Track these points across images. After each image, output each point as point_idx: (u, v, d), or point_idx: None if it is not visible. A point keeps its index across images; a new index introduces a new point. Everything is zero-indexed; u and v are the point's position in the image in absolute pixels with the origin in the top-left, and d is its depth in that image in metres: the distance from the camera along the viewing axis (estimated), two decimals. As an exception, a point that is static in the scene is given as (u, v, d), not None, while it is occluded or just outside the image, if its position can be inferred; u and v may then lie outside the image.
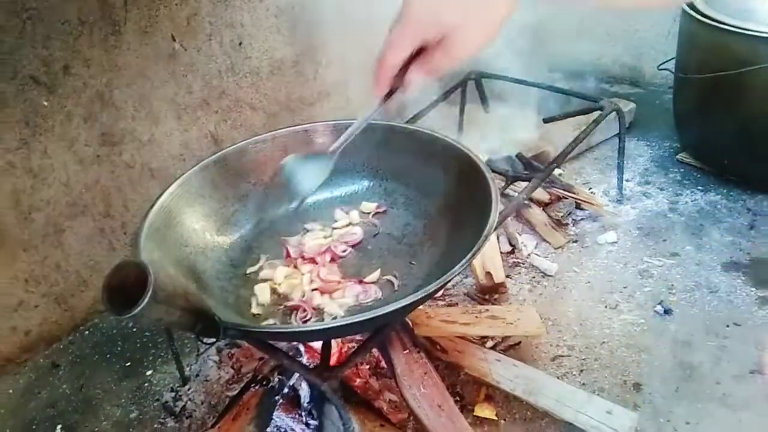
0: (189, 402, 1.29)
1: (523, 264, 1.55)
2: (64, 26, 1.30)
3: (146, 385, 1.35)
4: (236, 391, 1.22)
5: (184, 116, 1.59)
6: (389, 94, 0.77)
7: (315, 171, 1.05)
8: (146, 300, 0.69)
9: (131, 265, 0.74)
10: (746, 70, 1.55)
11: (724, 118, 1.71)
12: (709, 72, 1.66)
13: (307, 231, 1.28)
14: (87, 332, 1.51)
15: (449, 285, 1.48)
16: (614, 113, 1.62)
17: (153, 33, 1.46)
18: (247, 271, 1.19)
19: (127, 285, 0.74)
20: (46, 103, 1.32)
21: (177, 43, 1.52)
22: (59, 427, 1.28)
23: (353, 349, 1.08)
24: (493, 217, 1.02)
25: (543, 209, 1.66)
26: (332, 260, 1.21)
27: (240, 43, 1.68)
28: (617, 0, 0.66)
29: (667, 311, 1.39)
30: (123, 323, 1.52)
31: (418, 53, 0.68)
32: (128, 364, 1.41)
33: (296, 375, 1.19)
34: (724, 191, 1.75)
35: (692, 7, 1.68)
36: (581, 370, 1.28)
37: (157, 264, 0.95)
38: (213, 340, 0.86)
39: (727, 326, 1.35)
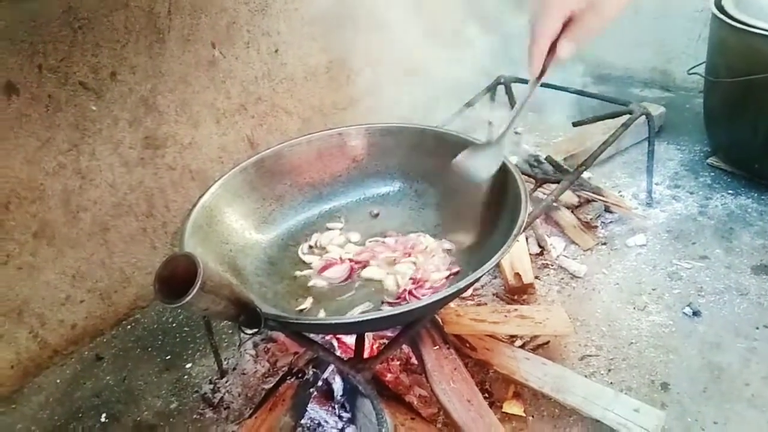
0: (227, 394, 1.34)
1: (552, 266, 1.57)
2: (112, 35, 1.37)
3: (186, 377, 1.41)
4: (272, 384, 1.26)
5: (223, 120, 1.66)
6: (543, 71, 0.77)
7: (487, 160, 1.13)
8: (196, 289, 0.74)
9: (181, 258, 0.79)
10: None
11: (755, 122, 1.71)
12: (740, 76, 1.66)
13: (329, 230, 1.33)
14: (129, 327, 1.57)
15: (478, 285, 1.51)
16: (643, 117, 1.64)
17: (194, 41, 1.53)
18: (296, 275, 1.24)
19: (176, 277, 0.79)
20: (94, 108, 1.39)
21: (217, 50, 1.58)
22: (103, 415, 1.35)
23: (385, 344, 1.12)
24: (523, 218, 1.05)
25: (572, 212, 1.68)
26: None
27: (276, 50, 1.74)
28: None
29: (695, 313, 1.40)
30: (164, 318, 1.58)
31: (565, 26, 0.69)
32: (168, 357, 1.47)
33: (330, 369, 1.23)
34: (755, 195, 1.74)
35: (722, 10, 1.69)
36: (609, 370, 1.30)
37: (202, 258, 1.00)
38: (254, 330, 0.90)
39: (757, 328, 1.36)
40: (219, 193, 1.23)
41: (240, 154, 1.70)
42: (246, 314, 0.89)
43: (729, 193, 1.77)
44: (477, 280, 1.02)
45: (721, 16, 1.67)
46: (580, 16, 0.65)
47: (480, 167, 1.12)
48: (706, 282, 1.48)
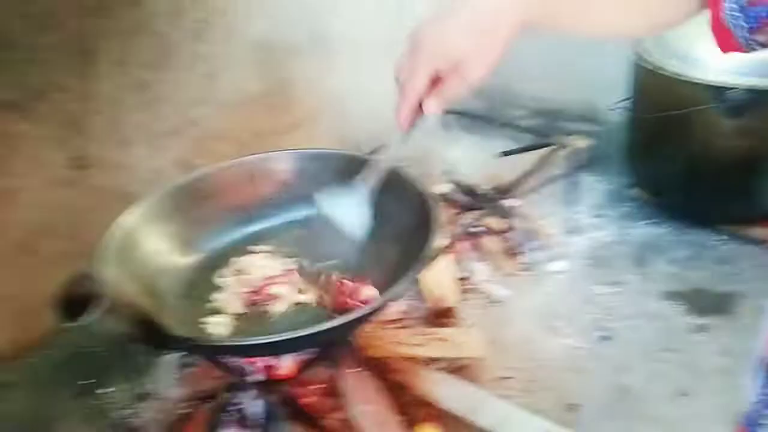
0: (143, 419, 1.33)
1: (475, 290, 1.62)
2: (42, 55, 1.37)
3: (102, 403, 1.39)
4: (188, 409, 1.26)
5: (155, 143, 1.66)
6: (411, 126, 0.79)
7: (354, 212, 1.04)
8: (95, 309, 0.75)
9: (83, 277, 0.80)
10: (689, 111, 1.66)
11: (671, 156, 1.82)
12: (656, 113, 1.77)
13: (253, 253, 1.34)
14: (46, 351, 1.53)
15: (402, 309, 1.54)
16: (567, 149, 1.72)
17: (127, 63, 1.54)
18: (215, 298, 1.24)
19: (80, 298, 0.80)
20: (19, 127, 1.38)
21: (149, 73, 1.60)
22: (13, 445, 1.31)
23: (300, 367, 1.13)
24: (435, 241, 1.09)
25: (498, 238, 1.74)
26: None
27: (212, 75, 1.76)
28: (601, 32, 0.72)
29: (606, 337, 1.46)
30: (82, 344, 1.55)
31: (432, 84, 0.71)
32: (86, 382, 1.44)
33: (246, 393, 1.24)
34: (670, 225, 1.84)
35: (640, 52, 1.80)
36: (524, 391, 1.34)
37: (114, 279, 1.00)
38: (161, 351, 0.91)
39: (663, 351, 1.43)
40: (142, 214, 1.24)
41: (172, 177, 1.70)
42: (153, 335, 0.90)
43: (647, 223, 1.87)
44: (390, 300, 1.05)
45: (638, 59, 1.78)
46: (446, 77, 0.68)
47: (350, 220, 1.05)
48: (619, 307, 1.55)
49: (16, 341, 1.51)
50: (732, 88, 1.57)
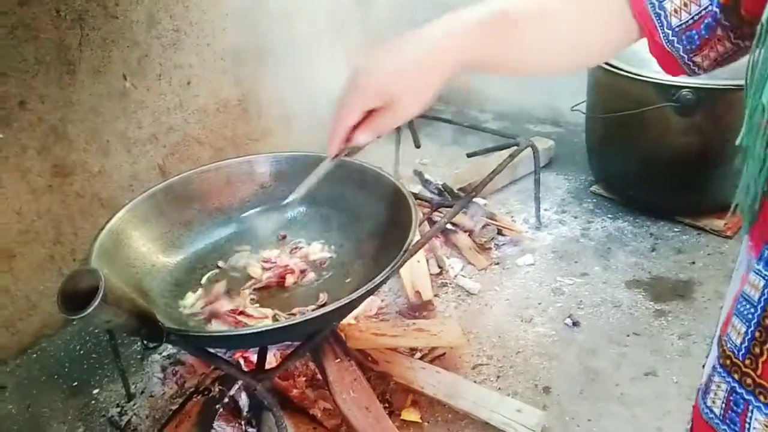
0: (134, 416, 1.36)
1: (450, 284, 1.69)
2: (21, 65, 1.40)
3: (93, 402, 1.42)
4: (179, 404, 1.30)
5: (134, 149, 1.70)
6: (339, 152, 0.85)
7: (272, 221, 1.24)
8: (98, 300, 0.79)
9: (84, 272, 0.84)
10: (642, 111, 1.76)
11: (627, 153, 1.92)
12: (612, 112, 1.87)
13: (237, 252, 1.39)
14: (34, 355, 1.56)
15: (383, 304, 1.61)
16: (530, 149, 1.81)
17: (106, 72, 1.58)
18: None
19: (78, 292, 0.84)
20: (1, 136, 1.41)
21: (128, 82, 1.63)
22: (5, 445, 1.34)
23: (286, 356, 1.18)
24: (412, 237, 1.16)
25: (469, 235, 1.82)
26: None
27: (188, 83, 1.81)
28: (543, 70, 0.76)
29: (575, 323, 1.55)
30: (71, 346, 1.58)
31: (365, 116, 0.75)
32: (75, 384, 1.47)
33: (236, 385, 1.28)
34: (631, 218, 1.95)
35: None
36: (498, 377, 1.41)
37: (107, 276, 1.04)
38: (156, 344, 0.95)
39: (628, 336, 1.52)
40: (126, 217, 1.28)
41: (151, 183, 1.73)
42: (148, 328, 0.94)
43: (608, 217, 1.97)
44: (370, 291, 1.11)
45: (595, 60, 1.88)
46: (377, 114, 0.73)
47: (264, 228, 1.28)
48: (586, 296, 1.64)
49: (5, 346, 1.53)
50: (683, 87, 1.67)
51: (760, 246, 0.51)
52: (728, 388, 0.53)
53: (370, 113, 0.74)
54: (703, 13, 0.59)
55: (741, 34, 0.58)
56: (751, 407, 0.50)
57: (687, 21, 0.60)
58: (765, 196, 0.49)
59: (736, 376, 0.52)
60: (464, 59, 0.67)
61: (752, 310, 0.51)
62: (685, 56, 0.63)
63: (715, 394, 0.54)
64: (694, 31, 0.60)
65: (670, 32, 0.62)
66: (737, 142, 0.50)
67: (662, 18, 0.61)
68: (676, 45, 0.62)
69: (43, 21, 1.42)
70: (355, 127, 0.76)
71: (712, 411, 0.55)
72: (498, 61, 0.69)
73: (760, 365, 0.50)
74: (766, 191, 0.49)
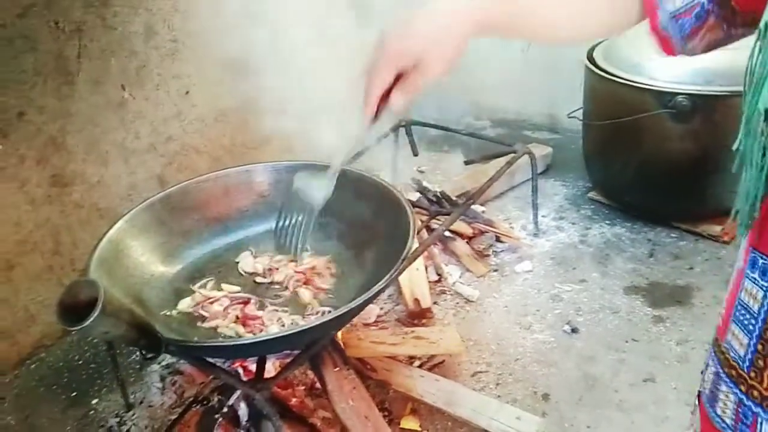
0: (133, 427, 1.36)
1: (449, 291, 1.69)
2: (20, 76, 1.41)
3: (92, 413, 1.41)
4: (178, 414, 1.30)
5: (132, 159, 1.70)
6: (376, 115, 0.86)
7: (321, 186, 1.15)
8: (97, 311, 0.79)
9: (83, 283, 0.85)
10: (638, 117, 1.77)
11: (624, 160, 1.93)
12: (609, 119, 1.88)
13: (237, 263, 1.39)
14: (33, 365, 1.56)
15: (381, 311, 1.61)
16: (527, 156, 1.81)
17: (104, 83, 1.58)
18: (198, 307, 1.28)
19: (78, 304, 0.84)
20: (0, 148, 1.41)
21: (126, 92, 1.64)
22: (4, 456, 1.33)
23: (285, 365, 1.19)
24: (410, 245, 1.16)
25: (467, 242, 1.82)
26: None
27: (187, 92, 1.82)
28: (553, 33, 0.81)
29: (574, 330, 1.55)
30: (69, 356, 1.58)
31: (397, 79, 0.78)
32: (74, 394, 1.47)
33: (235, 395, 1.28)
34: (628, 224, 1.95)
35: (592, 61, 1.91)
36: (497, 384, 1.42)
37: (106, 287, 1.04)
38: (154, 354, 0.95)
39: (626, 342, 1.52)
40: (125, 227, 1.28)
41: (149, 192, 1.73)
42: (147, 338, 0.94)
43: (606, 224, 1.97)
44: (369, 300, 1.11)
45: (591, 67, 1.89)
46: (408, 75, 0.76)
47: (314, 192, 1.18)
48: (584, 302, 1.64)
49: (4, 356, 1.52)
50: (678, 94, 1.68)
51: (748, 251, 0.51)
52: (736, 400, 0.53)
53: (397, 79, 0.77)
54: (694, 3, 0.62)
55: (733, 23, 0.62)
56: (760, 419, 0.51)
57: (680, 8, 0.64)
58: (763, 200, 0.50)
59: (742, 388, 0.52)
60: (484, 21, 0.73)
61: (753, 321, 0.51)
62: (680, 40, 0.66)
63: (725, 404, 0.55)
64: (685, 19, 0.64)
65: (665, 16, 0.65)
66: (734, 147, 0.51)
67: (662, 1, 0.65)
68: (670, 29, 0.66)
69: (41, 32, 1.43)
70: (388, 92, 0.79)
71: (723, 421, 0.55)
72: (513, 25, 0.75)
73: (765, 378, 0.50)
74: (764, 195, 0.49)
